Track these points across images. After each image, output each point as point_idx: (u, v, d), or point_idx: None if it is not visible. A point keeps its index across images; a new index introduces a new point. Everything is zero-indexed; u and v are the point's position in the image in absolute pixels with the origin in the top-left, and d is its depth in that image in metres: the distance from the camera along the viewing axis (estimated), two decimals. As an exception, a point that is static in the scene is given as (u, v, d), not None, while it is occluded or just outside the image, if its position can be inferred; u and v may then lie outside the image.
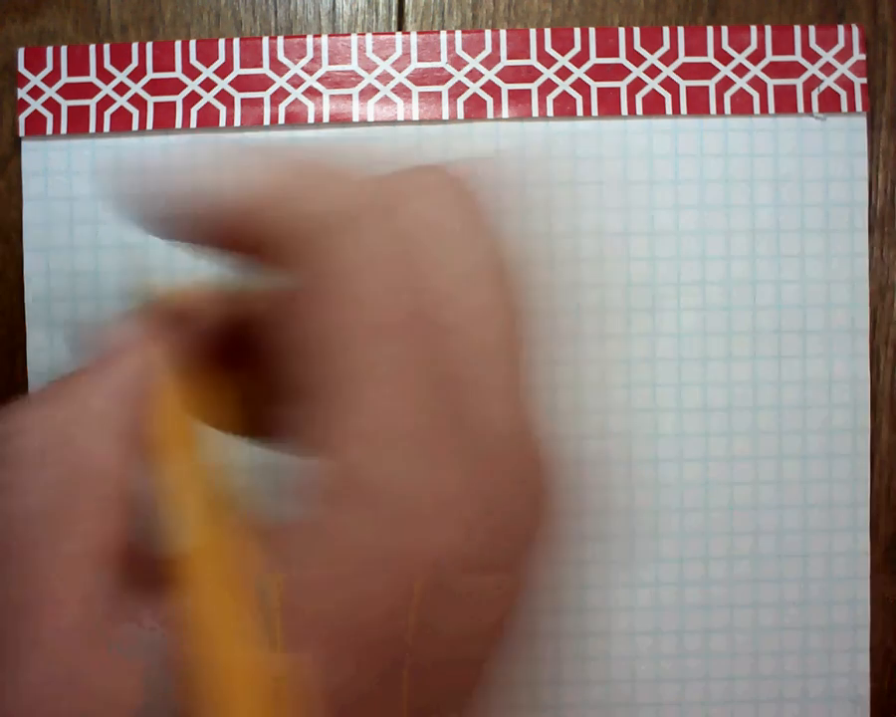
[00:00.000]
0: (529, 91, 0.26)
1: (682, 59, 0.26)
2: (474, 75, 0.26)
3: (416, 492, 0.16)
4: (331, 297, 0.16)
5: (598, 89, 0.26)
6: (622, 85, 0.26)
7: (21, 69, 0.26)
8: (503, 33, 0.26)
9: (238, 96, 0.26)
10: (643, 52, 0.26)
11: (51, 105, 0.26)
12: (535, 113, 0.26)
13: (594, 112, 0.26)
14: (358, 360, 0.16)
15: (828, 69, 0.26)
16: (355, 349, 0.16)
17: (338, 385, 0.16)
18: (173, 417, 0.17)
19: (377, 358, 0.16)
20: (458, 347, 0.17)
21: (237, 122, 0.26)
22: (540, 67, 0.26)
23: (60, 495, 0.16)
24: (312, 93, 0.26)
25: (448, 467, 0.16)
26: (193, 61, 0.26)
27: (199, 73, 0.26)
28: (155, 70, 0.26)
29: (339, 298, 0.16)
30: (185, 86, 0.26)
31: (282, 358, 0.17)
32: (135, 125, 0.26)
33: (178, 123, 0.26)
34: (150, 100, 0.26)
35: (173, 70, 0.26)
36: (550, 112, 0.26)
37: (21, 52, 0.26)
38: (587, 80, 0.26)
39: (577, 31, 0.26)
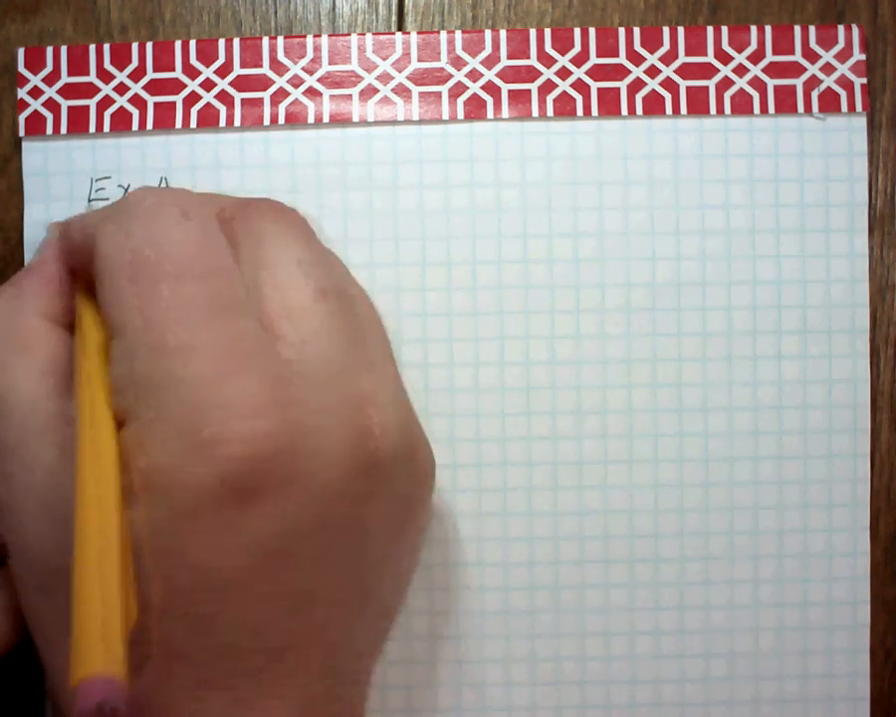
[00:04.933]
0: (529, 91, 0.26)
1: (682, 59, 0.26)
2: (474, 75, 0.26)
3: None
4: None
5: (598, 89, 0.26)
6: (622, 85, 0.26)
7: (21, 69, 0.26)
8: (503, 33, 0.26)
9: (238, 96, 0.26)
10: (643, 52, 0.26)
11: (51, 105, 0.26)
12: (535, 113, 0.26)
13: (594, 112, 0.26)
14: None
15: (828, 69, 0.26)
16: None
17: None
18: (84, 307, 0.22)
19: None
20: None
21: (237, 123, 0.26)
22: (540, 67, 0.26)
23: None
24: (312, 93, 0.26)
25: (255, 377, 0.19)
26: (193, 61, 0.26)
27: (199, 73, 0.26)
28: (155, 70, 0.26)
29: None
30: (185, 86, 0.26)
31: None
32: (135, 126, 0.26)
33: (178, 124, 0.26)
34: (150, 100, 0.26)
35: (173, 70, 0.26)
36: (550, 112, 0.26)
37: (21, 52, 0.26)
38: (587, 80, 0.26)
39: (577, 31, 0.26)
